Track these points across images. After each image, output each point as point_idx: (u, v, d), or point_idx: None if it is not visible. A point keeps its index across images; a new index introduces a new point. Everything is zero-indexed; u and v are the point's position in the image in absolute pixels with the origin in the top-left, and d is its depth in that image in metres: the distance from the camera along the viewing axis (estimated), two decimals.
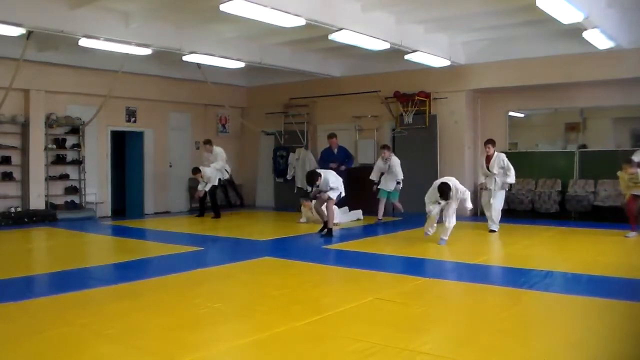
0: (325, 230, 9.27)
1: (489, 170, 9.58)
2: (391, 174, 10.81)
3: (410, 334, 4.23)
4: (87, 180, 12.44)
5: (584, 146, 11.81)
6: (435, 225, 8.47)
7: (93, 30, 8.96)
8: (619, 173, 8.97)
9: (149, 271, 6.81)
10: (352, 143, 13.75)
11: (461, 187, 8.34)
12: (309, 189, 9.63)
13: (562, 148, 12.29)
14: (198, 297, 5.43)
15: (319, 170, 9.45)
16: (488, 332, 4.20)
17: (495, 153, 9.64)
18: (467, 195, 8.34)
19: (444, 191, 7.97)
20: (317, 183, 9.09)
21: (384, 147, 11.26)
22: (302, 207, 11.22)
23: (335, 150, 11.84)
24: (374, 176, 11.09)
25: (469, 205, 8.46)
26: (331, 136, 11.99)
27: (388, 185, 10.87)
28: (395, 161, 10.89)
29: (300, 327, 4.32)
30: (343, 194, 9.54)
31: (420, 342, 3.99)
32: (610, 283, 5.85)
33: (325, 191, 9.19)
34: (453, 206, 8.26)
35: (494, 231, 9.43)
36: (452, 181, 8.32)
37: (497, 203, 9.53)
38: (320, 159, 12.22)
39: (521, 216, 11.52)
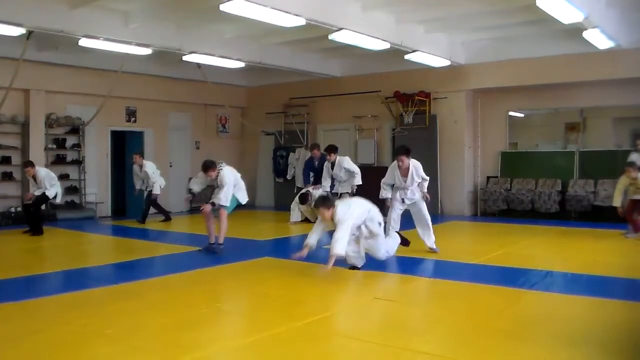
0: None
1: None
2: None
3: (410, 334, 4.23)
4: (87, 180, 12.44)
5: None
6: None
7: (93, 30, 8.95)
8: (621, 178, 8.82)
9: (149, 271, 6.81)
10: (352, 143, 13.77)
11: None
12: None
13: (562, 148, 12.30)
14: (198, 297, 5.43)
15: (307, 191, 9.17)
16: (488, 332, 4.20)
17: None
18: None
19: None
20: (309, 202, 9.04)
21: None
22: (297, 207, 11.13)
23: (317, 163, 11.03)
24: None
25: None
26: (313, 147, 11.33)
27: None
28: None
29: (300, 327, 4.32)
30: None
31: (420, 342, 3.99)
32: (610, 283, 5.85)
33: None
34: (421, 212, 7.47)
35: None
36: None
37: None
38: (304, 168, 11.78)
39: (521, 216, 11.53)
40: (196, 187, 7.66)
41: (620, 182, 8.83)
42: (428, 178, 7.68)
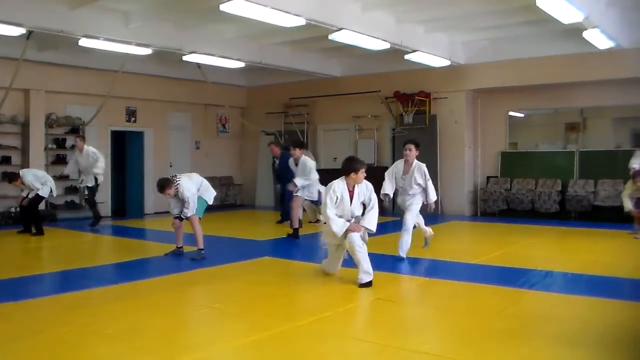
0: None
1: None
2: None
3: (410, 334, 4.23)
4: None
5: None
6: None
7: (93, 30, 8.95)
8: (628, 184, 8.93)
9: (149, 271, 6.81)
10: (352, 143, 13.77)
11: None
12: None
13: (562, 148, 12.30)
14: (198, 297, 5.43)
15: None
16: (488, 332, 4.20)
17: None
18: None
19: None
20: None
21: None
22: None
23: (276, 161, 10.44)
24: None
25: None
26: (269, 143, 10.51)
27: None
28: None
29: (300, 327, 4.32)
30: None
31: (420, 342, 3.99)
32: (610, 283, 5.85)
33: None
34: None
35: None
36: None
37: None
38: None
39: (521, 216, 11.53)
40: (176, 209, 7.32)
41: (627, 188, 8.92)
42: (430, 180, 7.18)
